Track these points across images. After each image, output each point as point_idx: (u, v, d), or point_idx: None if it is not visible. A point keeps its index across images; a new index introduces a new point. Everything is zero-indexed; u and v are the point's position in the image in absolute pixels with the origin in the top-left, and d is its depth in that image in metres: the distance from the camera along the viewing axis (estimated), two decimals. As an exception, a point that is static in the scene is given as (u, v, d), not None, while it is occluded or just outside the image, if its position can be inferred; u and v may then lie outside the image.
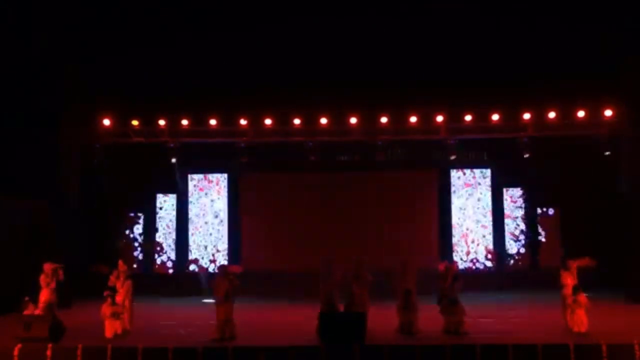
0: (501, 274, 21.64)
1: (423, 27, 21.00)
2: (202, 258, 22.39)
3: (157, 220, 22.51)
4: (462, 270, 21.46)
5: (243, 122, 21.75)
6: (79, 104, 21.70)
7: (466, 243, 22.21)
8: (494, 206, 22.43)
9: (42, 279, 13.59)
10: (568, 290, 13.68)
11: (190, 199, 22.69)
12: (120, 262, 14.53)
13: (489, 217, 22.35)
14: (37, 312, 12.77)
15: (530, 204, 22.33)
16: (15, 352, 11.34)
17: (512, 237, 22.22)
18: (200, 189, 22.72)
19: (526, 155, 21.07)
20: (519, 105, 21.26)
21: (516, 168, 22.21)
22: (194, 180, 22.78)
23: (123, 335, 12.96)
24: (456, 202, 22.46)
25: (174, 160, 21.32)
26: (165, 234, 22.47)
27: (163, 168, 22.22)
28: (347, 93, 20.61)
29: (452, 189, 22.58)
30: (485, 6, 20.43)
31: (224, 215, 22.62)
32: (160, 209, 22.61)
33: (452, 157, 21.03)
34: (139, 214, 22.52)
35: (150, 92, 21.27)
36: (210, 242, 22.48)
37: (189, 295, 20.20)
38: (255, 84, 21.06)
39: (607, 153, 20.74)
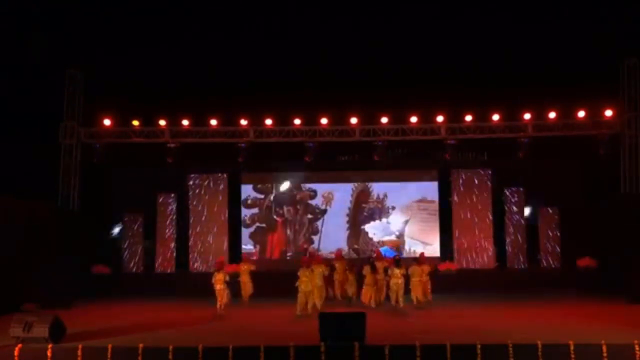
0: (501, 273, 21.62)
1: (423, 27, 21.06)
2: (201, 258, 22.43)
3: (157, 220, 22.47)
4: (463, 270, 21.54)
5: (243, 122, 21.81)
6: (80, 104, 21.74)
7: (466, 243, 22.18)
8: (494, 206, 22.40)
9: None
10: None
11: (190, 199, 22.66)
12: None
13: (489, 217, 22.33)
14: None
15: (530, 204, 22.30)
16: (16, 352, 11.34)
17: (512, 237, 22.19)
18: (201, 189, 22.68)
19: (522, 154, 21.25)
20: (519, 105, 21.31)
21: (516, 168, 22.22)
22: (194, 180, 22.76)
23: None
24: (456, 202, 22.44)
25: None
26: (166, 234, 22.43)
27: (163, 168, 22.25)
28: (347, 93, 20.63)
29: (452, 188, 22.55)
30: (486, 7, 20.48)
31: (224, 215, 22.60)
32: (161, 208, 22.56)
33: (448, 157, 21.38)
34: (139, 214, 22.47)
35: (150, 92, 21.30)
36: (210, 242, 22.46)
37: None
38: (255, 84, 21.08)
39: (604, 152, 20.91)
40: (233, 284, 17.26)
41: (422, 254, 18.53)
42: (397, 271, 16.27)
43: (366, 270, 17.21)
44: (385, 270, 17.06)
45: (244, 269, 18.36)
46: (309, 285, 15.69)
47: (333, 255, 20.15)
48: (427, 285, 17.16)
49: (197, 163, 22.49)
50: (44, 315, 12.19)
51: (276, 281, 19.05)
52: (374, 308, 16.40)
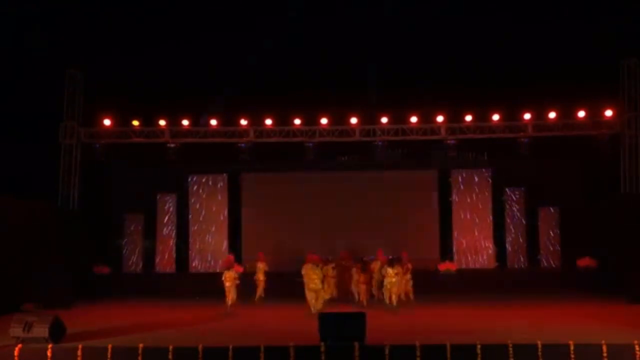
0: (501, 273, 21.62)
1: (423, 27, 21.03)
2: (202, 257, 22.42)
3: (157, 220, 22.47)
4: (463, 270, 21.54)
5: (243, 122, 21.81)
6: (80, 104, 21.74)
7: (466, 242, 22.17)
8: (494, 206, 22.40)
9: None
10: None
11: (190, 199, 22.66)
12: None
13: (489, 217, 22.33)
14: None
15: (530, 204, 22.30)
16: (16, 352, 11.34)
17: (512, 236, 22.18)
18: (200, 189, 22.68)
19: (521, 154, 21.27)
20: (519, 105, 21.31)
21: (516, 168, 22.21)
22: (194, 180, 22.75)
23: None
24: (456, 202, 22.43)
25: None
26: (166, 234, 22.43)
27: (163, 168, 22.25)
28: (347, 93, 20.63)
29: (452, 188, 22.55)
30: (486, 7, 20.47)
31: (224, 215, 22.59)
32: (161, 208, 22.55)
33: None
34: (139, 214, 22.46)
35: (150, 92, 21.29)
36: (210, 242, 22.45)
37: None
38: (255, 84, 21.07)
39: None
40: (248, 282, 17.55)
41: (404, 253, 18.58)
42: (390, 271, 16.65)
43: (357, 269, 17.60)
44: (380, 270, 17.23)
45: (260, 267, 18.65)
46: (318, 283, 16.03)
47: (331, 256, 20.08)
48: (409, 284, 17.44)
49: (197, 163, 22.48)
50: (44, 315, 12.19)
51: (275, 281, 19.04)
52: (373, 307, 16.39)
